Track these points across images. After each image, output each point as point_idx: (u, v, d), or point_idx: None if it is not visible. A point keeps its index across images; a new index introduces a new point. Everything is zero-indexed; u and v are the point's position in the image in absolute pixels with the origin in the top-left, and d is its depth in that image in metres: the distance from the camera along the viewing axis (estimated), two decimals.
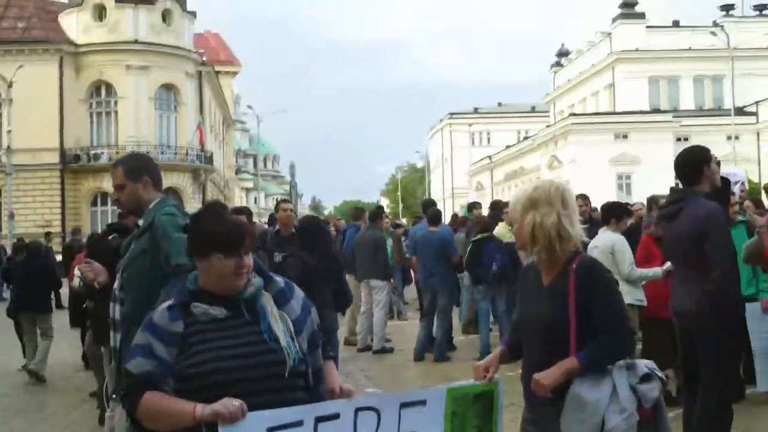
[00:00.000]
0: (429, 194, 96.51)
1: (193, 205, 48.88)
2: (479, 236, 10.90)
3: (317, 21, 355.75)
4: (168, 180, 47.36)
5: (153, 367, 2.63)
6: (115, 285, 4.03)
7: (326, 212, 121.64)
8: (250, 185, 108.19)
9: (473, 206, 13.98)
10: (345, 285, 7.08)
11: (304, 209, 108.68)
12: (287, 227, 8.63)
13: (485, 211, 13.59)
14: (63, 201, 46.31)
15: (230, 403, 2.46)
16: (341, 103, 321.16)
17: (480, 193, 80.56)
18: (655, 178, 53.33)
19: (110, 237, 9.57)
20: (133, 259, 3.91)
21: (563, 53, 79.72)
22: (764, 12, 65.51)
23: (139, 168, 4.13)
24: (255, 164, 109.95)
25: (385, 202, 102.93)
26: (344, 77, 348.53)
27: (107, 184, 46.37)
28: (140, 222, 4.04)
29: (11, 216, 38.67)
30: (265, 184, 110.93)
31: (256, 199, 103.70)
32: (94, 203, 47.63)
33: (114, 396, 4.06)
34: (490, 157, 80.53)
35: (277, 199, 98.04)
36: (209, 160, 50.48)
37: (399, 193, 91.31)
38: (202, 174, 49.53)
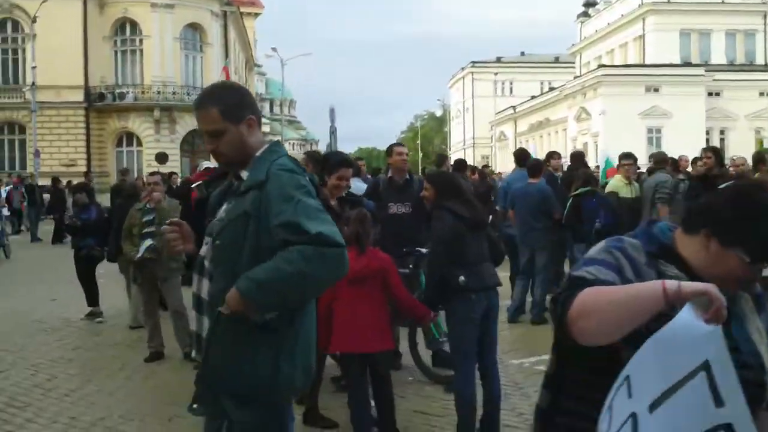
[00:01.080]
0: (449, 143, 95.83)
1: None
2: (580, 190, 10.19)
3: None
4: (194, 122, 46.49)
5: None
6: (202, 252, 3.18)
7: None
8: (267, 129, 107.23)
9: (551, 155, 13.19)
10: (494, 235, 6.36)
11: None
12: (401, 174, 7.96)
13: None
14: (88, 140, 45.55)
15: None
16: (359, 53, 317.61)
17: (502, 144, 79.73)
18: (686, 133, 52.76)
19: (192, 186, 8.86)
20: (231, 222, 2.99)
21: (590, 3, 78.02)
22: None
23: (240, 104, 3.10)
24: (271, 108, 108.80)
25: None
26: (363, 27, 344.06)
27: (132, 123, 45.75)
28: (243, 174, 3.08)
29: (36, 154, 38.02)
30: (281, 129, 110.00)
31: None
32: (119, 143, 46.93)
33: (195, 406, 3.25)
34: (513, 107, 79.36)
35: (299, 144, 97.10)
36: None
37: (419, 141, 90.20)
38: None
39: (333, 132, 27.01)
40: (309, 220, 2.78)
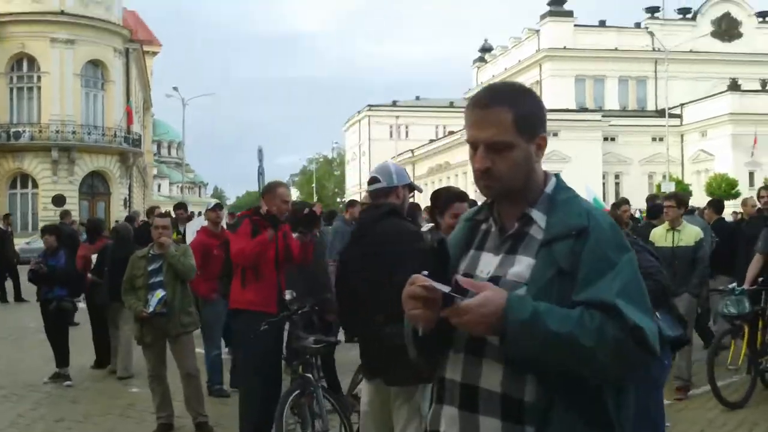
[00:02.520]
0: (344, 187, 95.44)
1: (120, 191, 46.17)
2: None
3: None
4: (94, 163, 44.52)
5: None
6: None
7: (228, 203, 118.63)
8: (154, 172, 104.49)
9: None
10: None
11: (207, 199, 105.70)
12: None
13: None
14: None
15: None
16: (248, 94, 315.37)
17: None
18: (584, 177, 53.89)
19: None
20: (542, 288, 2.05)
21: (486, 49, 79.62)
22: (687, 15, 66.73)
23: (538, 117, 2.22)
24: (158, 150, 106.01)
25: (295, 194, 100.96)
26: (254, 69, 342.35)
27: (28, 164, 43.21)
28: (536, 215, 2.17)
29: None
30: (168, 172, 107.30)
31: (159, 186, 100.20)
32: (13, 185, 44.18)
33: None
34: (412, 150, 79.71)
35: (188, 187, 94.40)
36: (137, 143, 47.63)
37: (314, 185, 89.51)
38: (131, 157, 46.67)
39: (261, 173, 25.71)
40: (631, 305, 2.02)
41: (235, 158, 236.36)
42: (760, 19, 67.65)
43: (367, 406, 4.66)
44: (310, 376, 6.08)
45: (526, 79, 69.28)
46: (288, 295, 6.62)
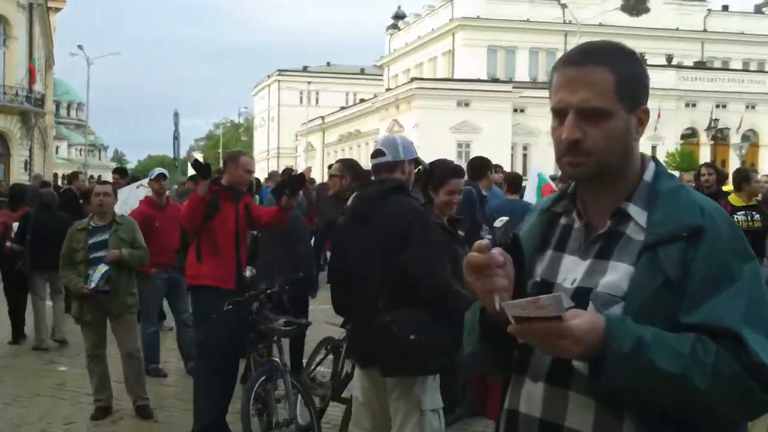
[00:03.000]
0: (253, 152, 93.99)
1: (20, 152, 44.24)
2: None
3: None
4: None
5: None
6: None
7: (129, 166, 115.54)
8: (53, 133, 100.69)
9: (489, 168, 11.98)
10: None
11: (107, 163, 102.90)
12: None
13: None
14: None
15: None
16: (154, 54, 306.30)
17: (310, 155, 79.08)
18: (493, 148, 54.54)
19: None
20: (646, 303, 1.68)
21: (399, 16, 79.26)
22: None
23: (642, 83, 1.86)
24: (58, 111, 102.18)
25: (200, 158, 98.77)
26: (162, 29, 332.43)
27: None
28: (634, 210, 1.79)
29: None
30: (68, 133, 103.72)
31: (57, 149, 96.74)
32: None
33: None
34: (322, 117, 78.98)
35: (89, 150, 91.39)
36: (40, 103, 45.61)
37: (220, 150, 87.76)
38: (32, 118, 44.67)
39: (176, 137, 25.05)
40: (757, 334, 1.63)
41: (137, 121, 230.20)
42: None
43: (361, 396, 4.38)
44: (277, 360, 5.76)
45: (438, 48, 69.43)
46: (248, 272, 6.28)
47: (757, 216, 8.16)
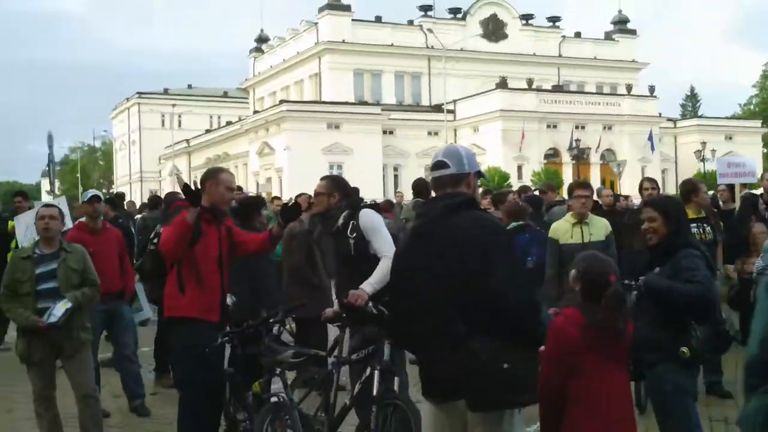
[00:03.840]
0: (115, 177, 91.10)
1: None
2: (511, 225, 9.65)
3: None
4: None
5: None
6: None
7: None
8: None
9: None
10: None
11: None
12: None
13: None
14: None
15: None
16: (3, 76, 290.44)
17: (175, 178, 77.38)
18: (365, 169, 55.15)
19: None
20: None
21: (263, 39, 78.88)
22: (458, 15, 69.59)
23: None
24: None
25: (55, 184, 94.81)
26: (8, 49, 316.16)
27: None
28: None
29: None
30: None
31: None
32: None
33: None
34: (187, 140, 77.46)
35: None
36: None
37: (78, 175, 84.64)
38: None
39: (51, 161, 23.75)
40: None
41: None
42: (524, 22, 71.86)
43: None
44: (284, 397, 5.29)
45: (305, 71, 69.57)
46: (229, 300, 5.91)
47: (708, 228, 8.14)
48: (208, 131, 75.59)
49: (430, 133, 63.60)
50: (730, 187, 11.22)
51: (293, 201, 7.69)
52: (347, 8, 66.56)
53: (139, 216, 14.46)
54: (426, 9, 68.93)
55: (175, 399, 6.05)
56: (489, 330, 3.63)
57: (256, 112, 68.19)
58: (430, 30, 60.72)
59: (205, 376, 5.51)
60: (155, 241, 8.71)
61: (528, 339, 3.69)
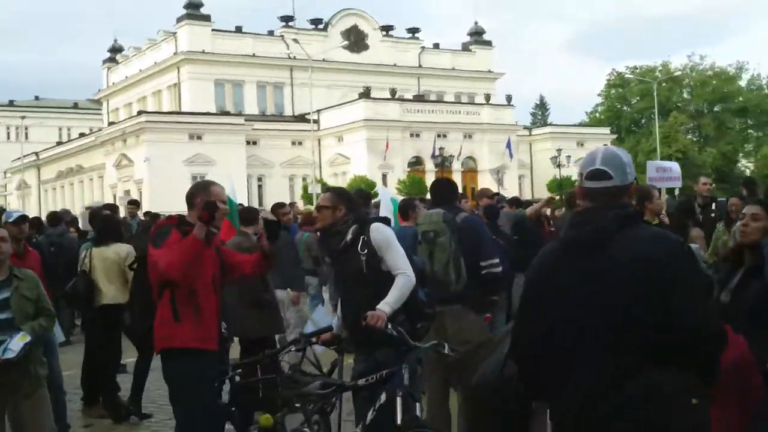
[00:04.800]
0: None
1: None
2: None
3: None
4: None
5: None
6: None
7: None
8: None
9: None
10: None
11: None
12: None
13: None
14: None
15: None
16: None
17: (24, 192, 73.84)
18: (228, 179, 54.09)
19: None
20: None
21: (117, 49, 76.39)
22: (319, 26, 69.59)
23: None
24: None
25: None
26: None
27: None
28: None
29: None
30: None
31: None
32: None
33: None
34: (36, 153, 73.90)
35: None
36: None
37: None
38: None
39: None
40: None
41: None
42: (384, 33, 72.62)
43: None
44: None
45: (164, 82, 67.89)
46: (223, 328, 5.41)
47: None
48: (59, 143, 72.38)
49: (294, 143, 63.26)
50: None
51: (269, 215, 7.08)
52: (207, 18, 65.44)
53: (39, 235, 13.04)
54: (287, 19, 68.61)
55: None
56: (668, 359, 3.03)
57: (111, 123, 65.89)
58: (296, 40, 60.23)
59: (208, 412, 5.05)
60: (86, 261, 8.30)
61: (711, 371, 3.08)
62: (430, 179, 57.15)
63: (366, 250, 5.25)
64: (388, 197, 11.32)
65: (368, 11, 71.68)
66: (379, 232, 5.32)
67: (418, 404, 5.04)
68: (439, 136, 59.88)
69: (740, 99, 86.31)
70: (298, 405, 4.93)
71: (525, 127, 73.64)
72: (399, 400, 4.80)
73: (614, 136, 76.58)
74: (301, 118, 64.94)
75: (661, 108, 72.63)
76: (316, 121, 61.31)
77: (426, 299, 5.49)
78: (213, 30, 65.21)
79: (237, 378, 5.31)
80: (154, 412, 8.35)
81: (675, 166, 12.27)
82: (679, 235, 9.30)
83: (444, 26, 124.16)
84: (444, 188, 7.29)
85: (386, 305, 5.02)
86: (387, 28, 72.73)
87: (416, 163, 61.25)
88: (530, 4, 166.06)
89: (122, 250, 8.39)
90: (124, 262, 8.20)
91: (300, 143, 63.11)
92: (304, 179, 61.66)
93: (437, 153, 57.06)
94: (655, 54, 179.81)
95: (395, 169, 59.10)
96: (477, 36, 77.44)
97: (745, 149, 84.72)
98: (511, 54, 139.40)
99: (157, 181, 52.78)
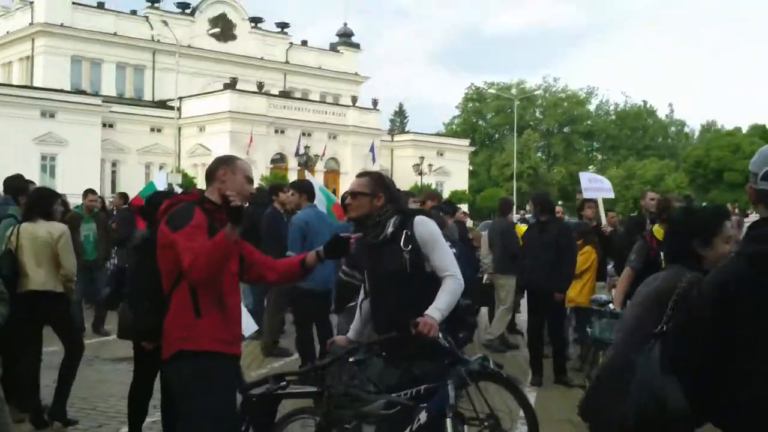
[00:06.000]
0: None
1: None
2: None
3: None
4: None
5: None
6: None
7: None
8: None
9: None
10: None
11: None
12: None
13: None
14: None
15: None
16: None
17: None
18: (81, 163, 51.80)
19: None
20: None
21: None
22: (187, 11, 67.45)
23: None
24: None
25: None
26: None
27: None
28: None
29: None
30: None
31: None
32: None
33: None
34: None
35: None
36: None
37: None
38: None
39: None
40: None
41: None
42: (253, 24, 71.25)
43: None
44: None
45: (16, 53, 64.04)
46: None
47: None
48: None
49: (153, 130, 61.09)
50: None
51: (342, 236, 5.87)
52: None
53: None
54: (153, 0, 66.10)
55: None
56: None
57: None
58: (165, 22, 58.05)
59: (233, 426, 4.34)
60: (12, 240, 7.23)
61: None
62: (292, 177, 56.31)
63: (410, 247, 4.54)
64: (317, 186, 10.90)
65: (238, 0, 70.09)
66: (426, 227, 4.61)
67: (466, 426, 4.59)
68: (304, 134, 59.30)
69: (588, 122, 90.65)
70: (349, 426, 4.39)
71: (388, 132, 74.22)
72: (449, 422, 4.29)
73: (473, 148, 78.45)
74: (162, 105, 62.80)
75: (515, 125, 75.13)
76: (178, 109, 59.46)
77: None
78: (73, 3, 61.92)
79: (279, 391, 4.60)
80: (81, 419, 7.39)
81: (605, 179, 12.63)
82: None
83: (313, 25, 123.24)
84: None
85: (437, 311, 4.37)
86: (256, 20, 71.35)
87: (280, 160, 60.42)
88: (395, 10, 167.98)
89: (55, 228, 7.25)
90: (56, 243, 7.15)
91: (159, 130, 61.02)
92: (161, 168, 59.54)
93: (302, 151, 56.54)
94: (509, 71, 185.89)
95: (258, 164, 57.73)
96: (345, 37, 77.26)
97: (589, 170, 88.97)
98: (376, 59, 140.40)
99: (2, 160, 49.49)
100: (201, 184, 50.68)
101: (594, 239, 10.17)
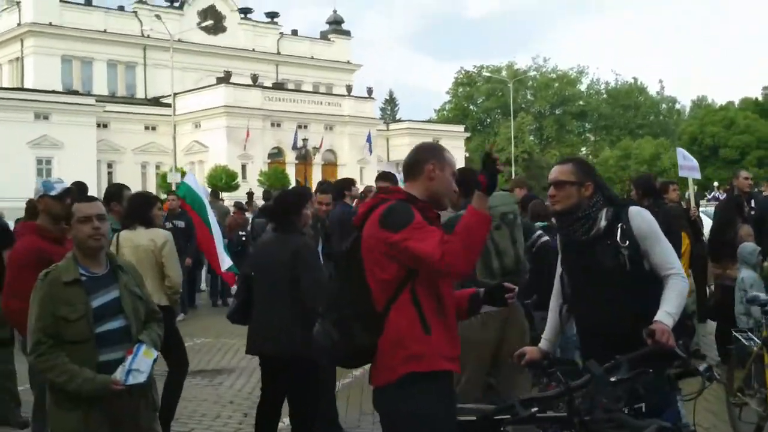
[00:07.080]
0: None
1: None
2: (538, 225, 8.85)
3: None
4: None
5: None
6: None
7: None
8: None
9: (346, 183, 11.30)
10: None
11: None
12: None
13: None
14: None
15: None
16: None
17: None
18: (77, 165, 51.03)
19: None
20: None
21: None
22: (175, 4, 66.51)
23: None
24: None
25: None
26: None
27: None
28: None
29: None
30: None
31: None
32: None
33: None
34: None
35: None
36: None
37: None
38: None
39: None
40: None
41: None
42: (242, 15, 70.34)
43: None
44: None
45: (5, 55, 63.26)
46: None
47: None
48: None
49: (147, 128, 60.52)
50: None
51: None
52: None
53: None
54: None
55: None
56: None
57: None
58: (158, 16, 57.27)
59: None
60: (112, 249, 6.71)
61: None
62: (291, 172, 55.93)
63: (627, 242, 4.10)
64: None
65: None
66: (644, 219, 4.15)
67: None
68: (300, 126, 58.75)
69: (580, 102, 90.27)
70: None
71: (384, 122, 73.85)
72: None
73: (468, 134, 78.13)
74: (155, 102, 62.18)
75: (507, 109, 74.70)
76: (170, 105, 58.79)
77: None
78: (61, 1, 60.97)
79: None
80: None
81: (693, 158, 12.25)
82: (727, 233, 8.71)
83: (302, 13, 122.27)
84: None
85: (668, 317, 3.85)
86: (245, 11, 70.48)
87: (277, 154, 59.82)
88: None
89: (158, 236, 6.66)
90: (160, 251, 6.55)
91: (153, 128, 60.46)
92: (158, 167, 59.01)
93: (300, 145, 55.90)
94: (493, 53, 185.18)
95: (255, 159, 57.47)
96: (335, 25, 76.44)
97: (582, 153, 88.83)
98: (366, 46, 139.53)
99: None
100: (201, 182, 50.28)
101: (684, 224, 9.41)
